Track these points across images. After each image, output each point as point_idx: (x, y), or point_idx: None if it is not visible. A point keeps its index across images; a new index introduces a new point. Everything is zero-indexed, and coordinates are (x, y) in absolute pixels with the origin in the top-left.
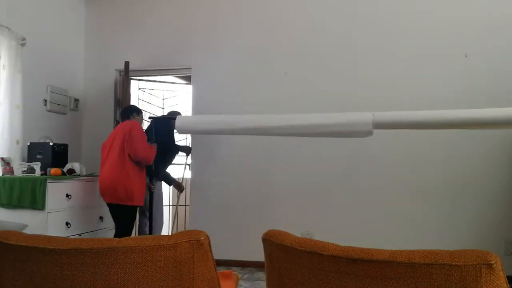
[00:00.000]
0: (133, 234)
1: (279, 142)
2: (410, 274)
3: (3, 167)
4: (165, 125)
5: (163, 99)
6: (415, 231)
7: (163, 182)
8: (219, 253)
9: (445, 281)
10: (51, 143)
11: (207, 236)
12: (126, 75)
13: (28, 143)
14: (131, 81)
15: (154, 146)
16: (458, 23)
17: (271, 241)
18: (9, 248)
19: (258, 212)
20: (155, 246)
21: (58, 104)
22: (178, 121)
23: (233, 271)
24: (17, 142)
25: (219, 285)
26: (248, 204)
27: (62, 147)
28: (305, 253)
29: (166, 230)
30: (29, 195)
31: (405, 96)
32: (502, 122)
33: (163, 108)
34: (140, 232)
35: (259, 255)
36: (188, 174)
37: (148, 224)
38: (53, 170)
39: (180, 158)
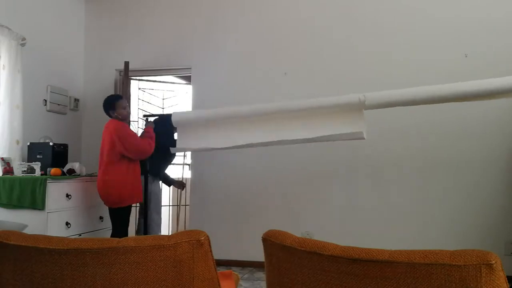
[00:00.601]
0: (132, 234)
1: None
2: (410, 274)
3: (3, 167)
4: (163, 125)
5: (163, 99)
6: (415, 231)
7: (161, 182)
8: (219, 253)
9: (445, 281)
10: (51, 143)
11: (207, 236)
12: (126, 75)
13: (28, 143)
14: (131, 81)
15: (151, 125)
16: (458, 24)
17: (271, 241)
18: (9, 248)
19: (258, 212)
20: (155, 246)
21: (58, 104)
22: (174, 117)
23: (233, 271)
24: (17, 142)
25: (219, 285)
26: (248, 204)
27: (62, 147)
28: (305, 253)
29: (166, 230)
30: (29, 195)
31: None
32: (498, 91)
33: (163, 108)
34: (139, 232)
35: (259, 255)
36: (187, 174)
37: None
38: (53, 170)
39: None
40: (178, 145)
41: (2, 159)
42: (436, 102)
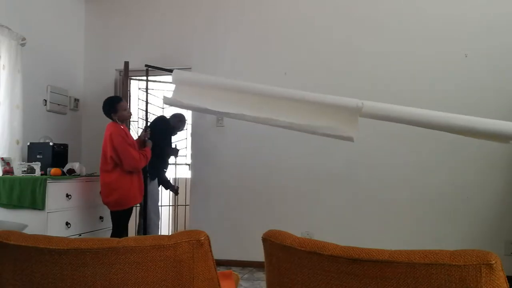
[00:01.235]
0: (132, 234)
1: (279, 142)
2: (410, 274)
3: (3, 167)
4: (162, 128)
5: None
6: (415, 231)
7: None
8: (219, 253)
9: (445, 281)
10: (51, 143)
11: (207, 236)
12: (126, 75)
13: (28, 143)
14: (131, 81)
15: (149, 145)
16: (458, 23)
17: (271, 241)
18: (9, 248)
19: (258, 212)
20: (155, 246)
21: (58, 104)
22: (175, 74)
23: (233, 271)
24: (17, 142)
25: (219, 285)
26: (248, 204)
27: (62, 147)
28: (305, 253)
29: (166, 230)
30: (29, 195)
31: (406, 96)
32: (495, 135)
33: (163, 108)
34: (139, 232)
35: (259, 255)
36: (182, 174)
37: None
38: (53, 170)
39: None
40: (172, 97)
41: (2, 159)
42: (432, 128)
